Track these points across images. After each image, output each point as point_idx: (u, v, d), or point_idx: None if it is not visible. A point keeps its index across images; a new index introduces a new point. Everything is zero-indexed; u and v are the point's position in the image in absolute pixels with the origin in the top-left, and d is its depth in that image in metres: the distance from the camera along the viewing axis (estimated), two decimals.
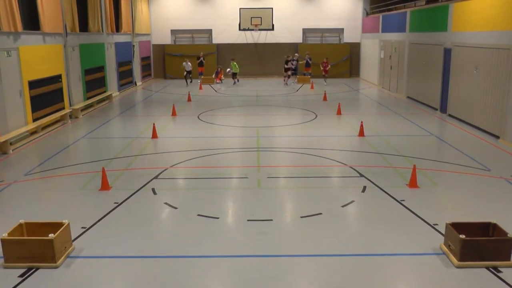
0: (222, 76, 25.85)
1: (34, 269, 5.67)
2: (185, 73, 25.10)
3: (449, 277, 5.49)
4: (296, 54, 25.89)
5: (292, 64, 24.89)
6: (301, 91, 22.06)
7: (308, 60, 25.45)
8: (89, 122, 15.31)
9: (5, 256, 5.73)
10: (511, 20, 11.65)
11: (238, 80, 25.38)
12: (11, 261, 5.70)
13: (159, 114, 16.38)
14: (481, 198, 8.02)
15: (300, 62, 25.52)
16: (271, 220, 7.15)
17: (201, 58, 25.18)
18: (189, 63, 25.01)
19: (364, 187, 8.54)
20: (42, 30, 14.25)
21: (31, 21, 14.01)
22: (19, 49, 12.68)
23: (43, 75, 14.14)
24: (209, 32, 28.56)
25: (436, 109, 16.45)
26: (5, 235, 5.79)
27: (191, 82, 25.32)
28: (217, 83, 25.44)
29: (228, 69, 25.97)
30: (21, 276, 5.54)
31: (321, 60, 25.61)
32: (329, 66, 25.46)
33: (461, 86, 14.47)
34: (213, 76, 25.67)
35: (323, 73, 25.37)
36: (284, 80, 24.93)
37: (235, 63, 25.05)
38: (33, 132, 13.15)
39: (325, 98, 19.34)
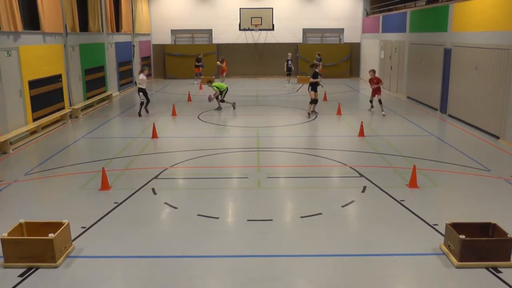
0: (225, 73, 25.73)
1: (34, 269, 5.67)
2: (141, 97, 15.75)
3: (449, 277, 5.49)
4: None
5: (288, 65, 24.85)
6: (301, 91, 22.01)
7: (318, 60, 25.18)
8: (89, 122, 15.30)
9: (5, 256, 5.73)
10: (511, 20, 11.66)
11: (230, 110, 16.73)
12: (11, 260, 5.70)
13: (159, 114, 16.37)
14: (481, 199, 8.02)
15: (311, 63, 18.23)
16: (271, 220, 7.14)
17: (200, 62, 25.16)
18: (143, 76, 15.64)
19: (364, 187, 8.54)
20: (42, 30, 14.24)
21: (31, 20, 14.00)
22: (19, 49, 12.67)
23: (43, 75, 14.13)
24: (209, 32, 28.56)
25: (436, 109, 16.45)
26: (5, 234, 5.79)
27: (146, 111, 16.19)
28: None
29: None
30: (21, 276, 5.53)
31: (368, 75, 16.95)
32: (381, 82, 16.11)
33: (461, 87, 14.47)
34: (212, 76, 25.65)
35: (375, 95, 15.97)
36: (308, 111, 15.74)
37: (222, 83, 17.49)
38: (33, 132, 13.15)
39: (325, 98, 19.34)
